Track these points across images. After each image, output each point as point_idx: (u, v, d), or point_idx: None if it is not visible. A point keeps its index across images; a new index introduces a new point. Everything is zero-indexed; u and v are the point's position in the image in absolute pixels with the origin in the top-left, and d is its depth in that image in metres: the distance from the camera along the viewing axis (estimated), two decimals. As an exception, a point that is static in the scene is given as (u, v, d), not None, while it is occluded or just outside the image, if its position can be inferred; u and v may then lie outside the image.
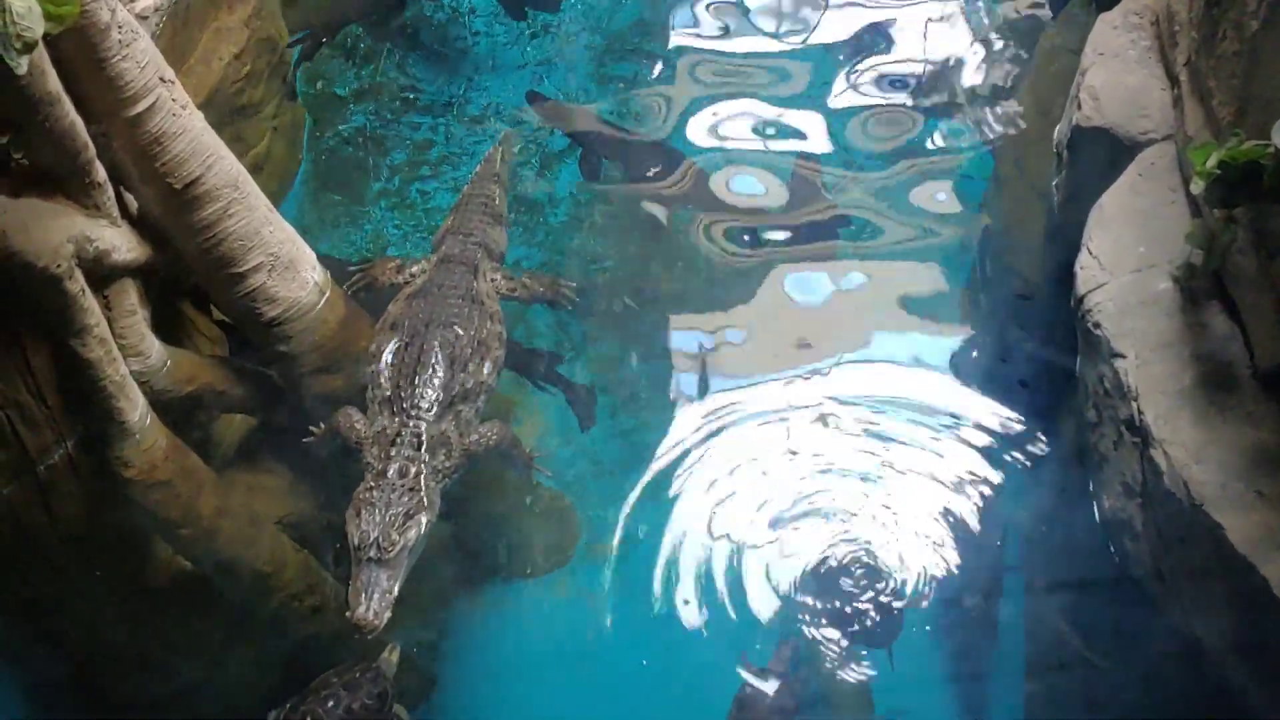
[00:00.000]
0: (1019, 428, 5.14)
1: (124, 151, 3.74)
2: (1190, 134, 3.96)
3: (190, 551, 4.15)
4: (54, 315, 3.53)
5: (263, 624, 4.42)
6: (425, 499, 4.05)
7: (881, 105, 6.38)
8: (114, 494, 3.85)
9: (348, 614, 3.79)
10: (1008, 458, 5.08)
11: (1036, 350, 5.16)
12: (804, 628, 4.77)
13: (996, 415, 5.23)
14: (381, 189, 6.19)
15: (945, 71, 6.50)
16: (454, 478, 4.32)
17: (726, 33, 6.75)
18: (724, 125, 6.39)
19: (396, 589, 3.86)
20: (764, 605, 4.84)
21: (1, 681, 4.50)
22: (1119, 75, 4.40)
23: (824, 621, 4.77)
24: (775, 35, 6.74)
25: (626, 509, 5.11)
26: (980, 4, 6.72)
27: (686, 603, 4.86)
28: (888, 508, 5.03)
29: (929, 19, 6.67)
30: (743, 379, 5.46)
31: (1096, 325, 3.96)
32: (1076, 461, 4.50)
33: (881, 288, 5.82)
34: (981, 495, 5.02)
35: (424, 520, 4.02)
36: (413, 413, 4.25)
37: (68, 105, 3.40)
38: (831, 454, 5.20)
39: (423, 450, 4.16)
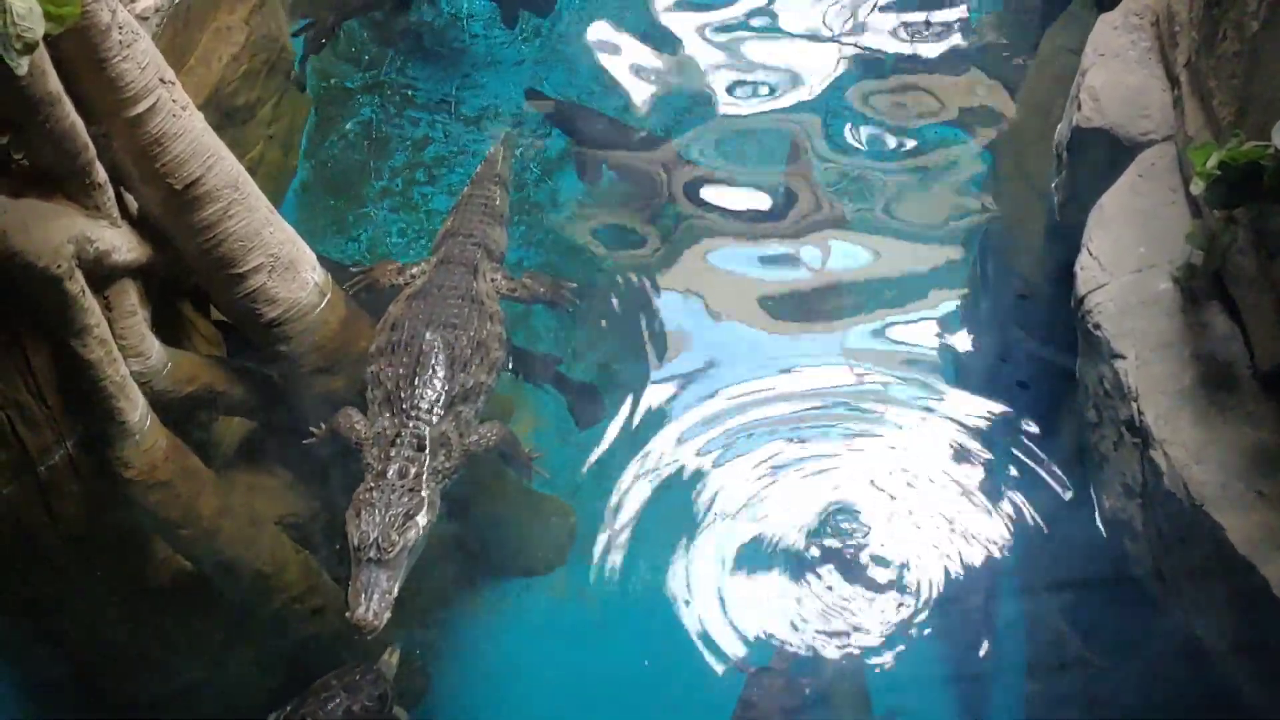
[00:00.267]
0: (1019, 428, 5.14)
1: (124, 152, 3.73)
2: (1190, 134, 3.96)
3: (190, 552, 4.14)
4: (54, 315, 3.52)
5: (263, 624, 4.42)
6: (425, 499, 4.05)
7: (881, 105, 6.38)
8: (114, 494, 3.84)
9: (347, 614, 3.79)
10: (1008, 458, 5.08)
11: (1036, 350, 5.16)
12: (804, 628, 4.77)
13: (996, 415, 5.23)
14: (384, 188, 6.20)
15: (945, 71, 6.51)
16: (454, 478, 4.32)
17: (727, 32, 6.76)
18: (723, 125, 6.40)
19: (396, 589, 3.87)
20: (765, 605, 4.84)
21: (1, 681, 4.50)
22: (1119, 76, 4.40)
23: (824, 620, 4.77)
24: (775, 35, 6.75)
25: (626, 509, 5.11)
26: (981, 4, 6.73)
27: (687, 603, 4.86)
28: (888, 507, 5.04)
29: (928, 19, 6.68)
30: (742, 379, 5.46)
31: (1097, 325, 3.96)
32: (1076, 461, 4.51)
33: (881, 288, 5.82)
34: (981, 495, 5.02)
35: (424, 521, 4.02)
36: (413, 413, 4.25)
37: (68, 106, 3.39)
38: (832, 454, 5.20)
39: (423, 451, 4.16)
